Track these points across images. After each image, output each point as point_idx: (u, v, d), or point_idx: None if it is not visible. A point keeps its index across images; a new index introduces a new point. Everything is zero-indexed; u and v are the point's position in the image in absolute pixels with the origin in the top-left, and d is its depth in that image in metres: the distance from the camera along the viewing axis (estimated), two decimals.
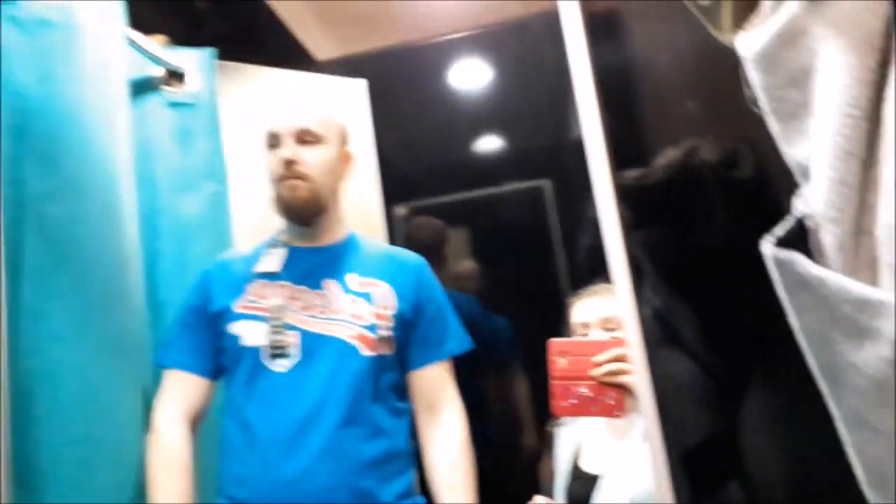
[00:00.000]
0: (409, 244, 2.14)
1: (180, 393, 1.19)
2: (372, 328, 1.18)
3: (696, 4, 0.57)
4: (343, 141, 1.28)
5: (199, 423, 1.22)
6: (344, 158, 1.28)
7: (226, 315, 1.20)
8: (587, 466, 1.24)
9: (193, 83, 1.59)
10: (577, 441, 1.28)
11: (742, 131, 0.83)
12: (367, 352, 1.16)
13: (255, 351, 1.16)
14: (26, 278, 1.10)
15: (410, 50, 2.25)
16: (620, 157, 0.92)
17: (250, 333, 1.17)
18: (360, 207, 1.90)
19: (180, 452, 1.15)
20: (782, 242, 0.48)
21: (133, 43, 1.42)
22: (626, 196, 0.90)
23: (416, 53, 2.25)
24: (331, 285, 1.21)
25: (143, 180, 1.45)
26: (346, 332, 1.17)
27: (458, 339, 1.28)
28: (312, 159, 1.19)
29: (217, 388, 1.25)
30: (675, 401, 0.90)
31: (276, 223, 1.29)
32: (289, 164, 1.17)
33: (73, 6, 1.23)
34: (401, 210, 2.19)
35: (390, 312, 1.21)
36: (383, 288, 1.22)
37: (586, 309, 1.26)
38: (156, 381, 1.25)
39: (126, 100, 1.35)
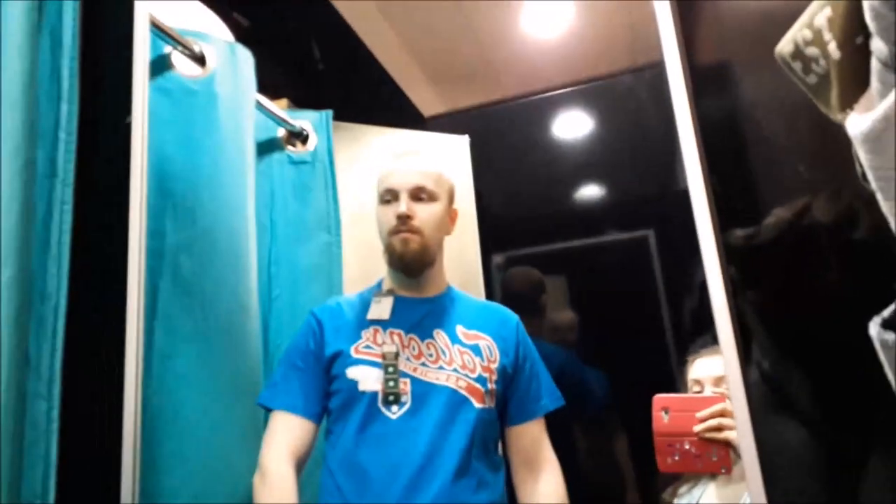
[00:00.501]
0: (506, 293, 2.16)
1: (288, 434, 1.20)
2: (481, 380, 1.21)
3: (802, 82, 0.57)
4: (451, 198, 1.34)
5: (303, 466, 1.23)
6: (451, 215, 1.33)
7: (342, 359, 1.22)
8: None
9: (312, 142, 1.71)
10: None
11: (857, 191, 0.81)
12: (477, 403, 1.19)
13: (371, 396, 1.18)
14: (159, 322, 1.21)
15: (513, 104, 2.31)
16: (728, 214, 0.91)
17: (367, 378, 1.19)
18: (459, 256, 1.94)
19: (288, 491, 1.16)
20: (888, 324, 0.47)
21: (260, 106, 1.56)
22: (735, 255, 0.89)
23: (518, 107, 2.31)
24: (440, 335, 1.24)
25: (263, 230, 1.57)
26: (457, 383, 1.19)
27: (553, 396, 1.30)
28: (425, 215, 1.25)
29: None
30: (784, 469, 0.86)
31: (381, 271, 1.34)
32: (404, 218, 1.23)
33: (215, 77, 1.37)
34: (498, 259, 2.22)
35: (495, 366, 1.23)
36: (489, 341, 1.26)
37: (702, 367, 1.25)
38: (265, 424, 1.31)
39: (254, 159, 1.48)
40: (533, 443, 1.26)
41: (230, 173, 1.36)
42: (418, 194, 1.26)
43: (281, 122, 1.65)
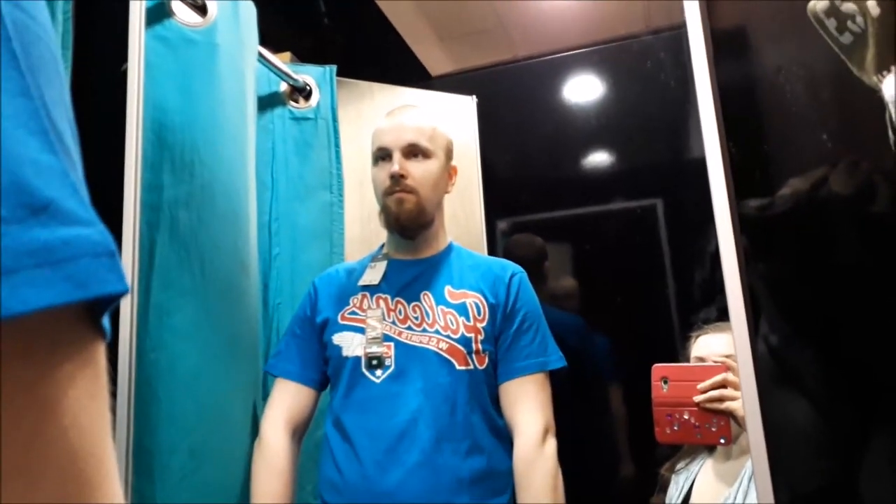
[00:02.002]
0: (510, 258, 2.13)
1: (286, 402, 1.23)
2: (464, 340, 1.17)
3: (835, 41, 0.54)
4: (449, 155, 1.30)
5: (303, 432, 1.25)
6: (450, 171, 1.30)
7: (331, 326, 1.23)
8: None
9: (315, 98, 1.66)
10: (689, 485, 1.24)
11: (877, 164, 0.78)
12: (459, 365, 1.16)
13: (354, 361, 1.19)
14: (156, 277, 1.19)
15: (524, 65, 2.26)
16: (743, 183, 0.88)
17: (349, 344, 1.20)
18: (463, 221, 1.92)
19: (282, 460, 1.18)
20: None
21: (262, 59, 1.51)
22: (748, 226, 0.86)
23: (529, 68, 2.25)
24: (426, 297, 1.22)
25: (264, 188, 1.54)
26: (438, 345, 1.17)
27: (550, 356, 1.21)
28: (419, 174, 1.21)
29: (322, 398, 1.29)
30: (789, 445, 0.85)
31: (383, 233, 1.32)
32: (397, 178, 1.20)
33: (216, 27, 1.32)
34: (503, 225, 2.19)
35: (482, 325, 1.19)
36: (477, 298, 1.21)
37: (706, 343, 1.22)
38: (265, 383, 1.31)
39: (255, 113, 1.44)
40: (510, 404, 1.18)
41: (230, 127, 1.32)
42: (412, 152, 1.22)
43: (283, 76, 1.61)
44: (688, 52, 0.90)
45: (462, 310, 1.20)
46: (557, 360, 1.22)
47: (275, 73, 1.59)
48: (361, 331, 1.20)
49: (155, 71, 1.24)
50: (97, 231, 0.23)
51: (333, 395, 1.23)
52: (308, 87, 1.66)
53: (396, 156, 1.21)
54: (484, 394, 1.18)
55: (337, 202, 1.64)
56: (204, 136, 1.27)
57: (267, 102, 1.62)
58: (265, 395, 1.32)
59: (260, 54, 1.49)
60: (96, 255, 0.22)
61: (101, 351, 0.25)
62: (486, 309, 1.20)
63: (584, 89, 2.20)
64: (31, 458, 0.21)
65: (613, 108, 2.16)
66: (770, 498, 0.81)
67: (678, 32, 0.89)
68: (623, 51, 2.14)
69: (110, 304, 0.23)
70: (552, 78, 2.21)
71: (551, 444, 1.16)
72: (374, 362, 1.17)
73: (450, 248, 1.30)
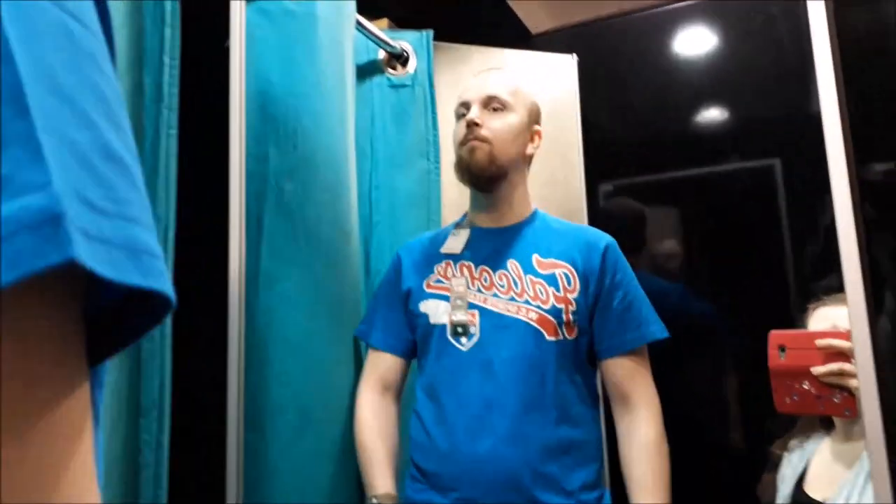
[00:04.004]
0: (607, 224, 2.07)
1: (378, 369, 1.29)
2: (554, 311, 1.16)
3: None
4: (532, 117, 1.27)
5: (398, 392, 1.30)
6: (531, 134, 1.27)
7: (416, 294, 1.25)
8: (812, 491, 1.13)
9: (412, 64, 1.67)
10: (804, 464, 1.17)
11: None
12: (549, 336, 1.15)
13: (441, 328, 1.20)
14: (264, 246, 1.25)
15: (628, 19, 2.14)
16: (866, 145, 0.80)
17: (435, 312, 1.22)
18: (563, 183, 1.87)
19: (378, 419, 1.25)
20: None
21: (360, 27, 1.53)
22: (871, 192, 0.79)
23: (634, 22, 2.14)
24: (513, 265, 1.21)
25: (363, 156, 1.57)
26: (527, 315, 1.16)
27: (651, 328, 1.19)
28: (495, 124, 1.21)
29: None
30: None
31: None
32: (472, 126, 1.19)
33: None
34: (606, 187, 2.12)
35: (573, 296, 1.17)
36: (567, 269, 1.19)
37: (825, 316, 1.13)
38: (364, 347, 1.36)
39: (353, 82, 1.46)
40: (625, 377, 1.18)
41: (330, 97, 1.35)
42: (490, 104, 1.22)
43: (381, 43, 1.61)
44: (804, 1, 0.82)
45: (552, 280, 1.18)
46: (661, 329, 1.20)
47: (372, 40, 1.60)
48: (446, 298, 1.21)
49: (257, 44, 1.28)
50: (44, 195, 0.21)
51: (424, 361, 1.26)
52: (405, 54, 1.66)
53: (474, 107, 1.22)
54: (572, 364, 1.18)
55: (434, 169, 1.65)
56: (306, 108, 1.31)
57: (365, 71, 1.64)
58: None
59: (358, 22, 1.50)
60: (35, 227, 0.20)
61: (68, 321, 0.24)
62: (577, 279, 1.18)
63: (693, 43, 2.06)
64: None
65: (725, 62, 2.01)
66: (887, 485, 0.75)
67: None
68: (734, 1, 1.97)
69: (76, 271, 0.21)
70: (659, 32, 2.08)
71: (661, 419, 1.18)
72: (460, 329, 1.18)
73: (534, 214, 1.28)
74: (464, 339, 1.18)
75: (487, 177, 1.21)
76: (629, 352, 1.18)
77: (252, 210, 1.23)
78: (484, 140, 1.19)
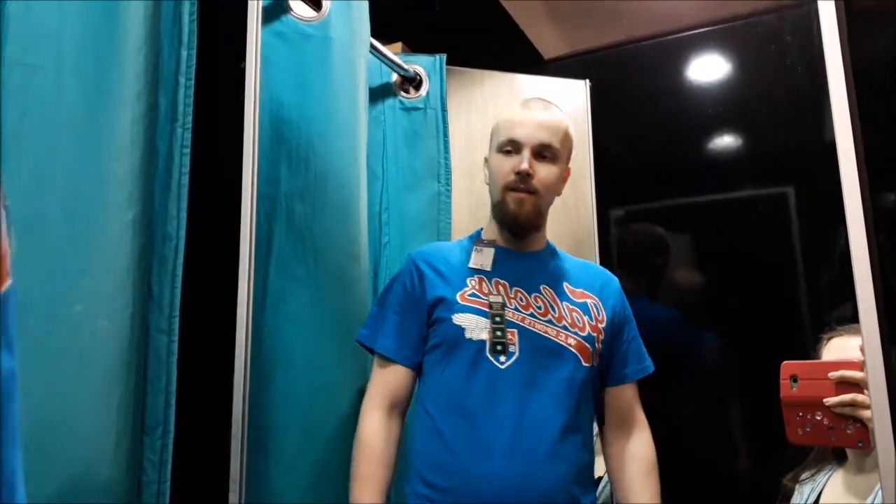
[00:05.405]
0: (624, 249, 2.06)
1: (387, 386, 1.22)
2: (590, 339, 1.19)
3: None
4: (569, 158, 1.27)
5: (405, 409, 1.24)
6: (565, 174, 1.26)
7: (447, 305, 1.20)
8: None
9: (425, 87, 1.68)
10: (815, 496, 1.15)
11: None
12: (585, 363, 1.18)
13: (478, 344, 1.16)
14: (273, 266, 1.26)
15: (641, 46, 2.15)
16: (881, 174, 0.79)
17: (474, 326, 1.17)
18: (573, 209, 1.87)
19: (379, 440, 1.18)
20: None
21: (374, 51, 1.54)
22: (886, 221, 0.78)
23: (646, 49, 2.15)
24: (547, 290, 1.22)
25: (374, 178, 1.58)
26: (567, 340, 1.18)
27: (648, 361, 1.30)
28: (544, 175, 1.19)
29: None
30: None
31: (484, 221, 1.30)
32: (524, 176, 1.17)
33: (330, 20, 1.36)
34: (617, 213, 2.12)
35: (602, 325, 1.22)
36: (595, 301, 1.24)
37: (840, 346, 1.11)
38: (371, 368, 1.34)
39: (366, 105, 1.47)
40: (629, 404, 1.26)
41: (343, 120, 1.36)
42: (542, 152, 1.19)
43: (394, 66, 1.63)
44: (817, 27, 0.82)
45: (585, 309, 1.22)
46: (651, 363, 1.30)
47: (386, 63, 1.62)
48: (484, 314, 1.18)
49: (272, 66, 1.29)
50: None
51: (444, 375, 1.18)
52: (418, 77, 1.68)
53: (526, 153, 1.18)
54: (592, 390, 1.22)
55: (444, 192, 1.65)
56: (318, 130, 1.32)
57: (378, 93, 1.65)
58: None
59: (372, 45, 1.51)
60: None
61: None
62: (604, 311, 1.24)
63: (706, 70, 2.06)
64: None
65: (739, 89, 2.01)
66: None
67: (807, 9, 0.81)
68: (748, 28, 1.98)
69: None
70: (672, 59, 2.09)
71: None
72: (499, 347, 1.16)
73: (550, 245, 1.31)
74: (502, 358, 1.16)
75: (529, 227, 1.23)
76: (633, 381, 1.27)
77: (262, 230, 1.24)
78: (533, 192, 1.19)
